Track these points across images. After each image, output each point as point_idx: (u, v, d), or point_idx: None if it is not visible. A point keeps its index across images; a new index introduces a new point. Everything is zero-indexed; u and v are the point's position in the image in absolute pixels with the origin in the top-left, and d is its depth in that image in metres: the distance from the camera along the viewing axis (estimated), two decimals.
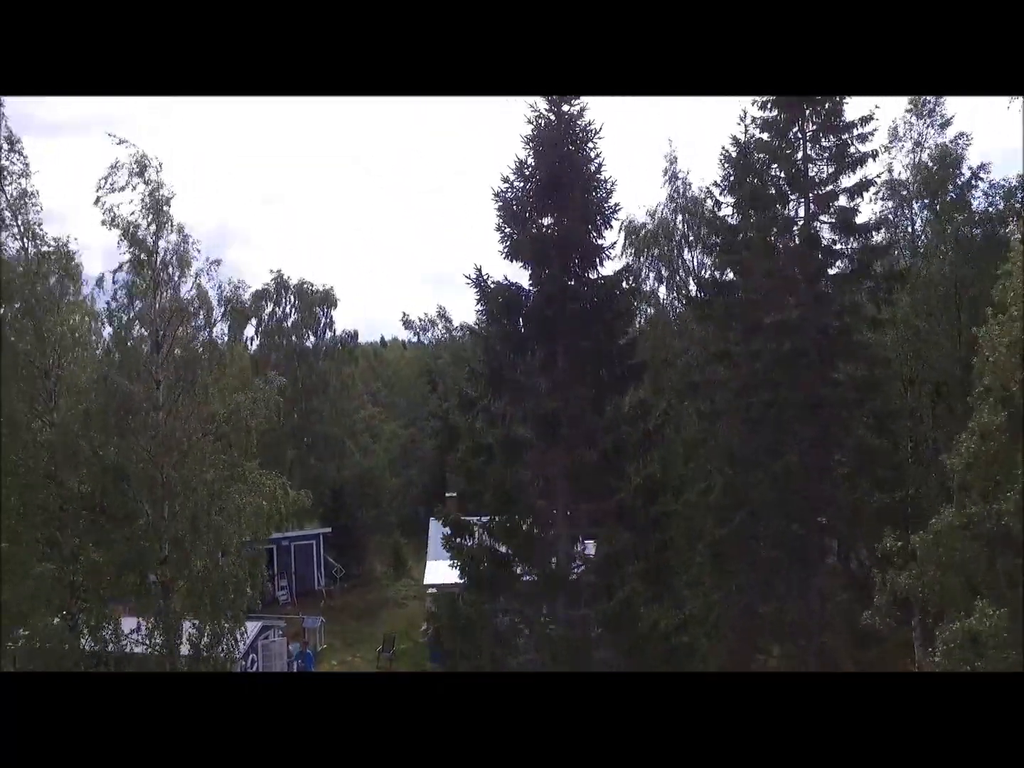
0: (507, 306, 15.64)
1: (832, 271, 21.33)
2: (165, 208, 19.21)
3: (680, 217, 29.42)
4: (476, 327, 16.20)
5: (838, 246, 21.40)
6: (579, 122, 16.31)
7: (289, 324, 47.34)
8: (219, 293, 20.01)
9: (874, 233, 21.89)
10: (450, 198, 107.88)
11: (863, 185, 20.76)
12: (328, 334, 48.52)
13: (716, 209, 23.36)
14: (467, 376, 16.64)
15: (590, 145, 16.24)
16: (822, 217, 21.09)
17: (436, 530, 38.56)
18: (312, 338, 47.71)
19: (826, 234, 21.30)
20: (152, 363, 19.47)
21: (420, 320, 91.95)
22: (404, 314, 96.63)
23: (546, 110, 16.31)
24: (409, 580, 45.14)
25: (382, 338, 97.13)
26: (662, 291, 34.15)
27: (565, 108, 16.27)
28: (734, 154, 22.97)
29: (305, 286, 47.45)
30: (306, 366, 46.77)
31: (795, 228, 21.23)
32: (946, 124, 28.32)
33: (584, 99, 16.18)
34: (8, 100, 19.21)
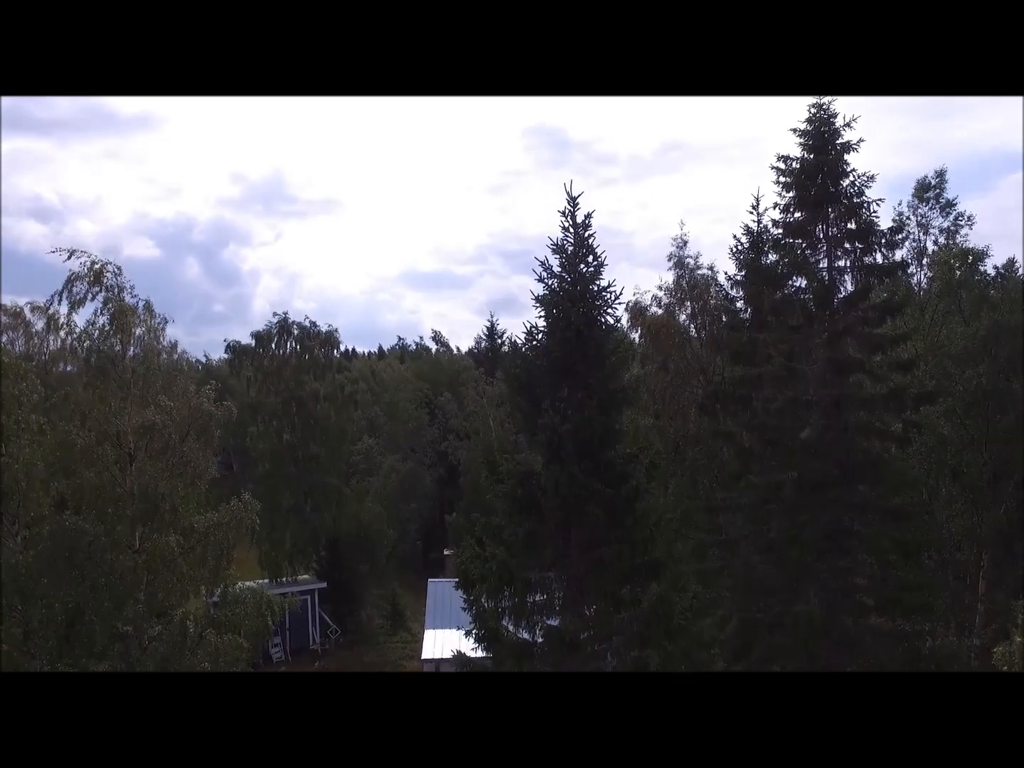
0: (522, 505, 14.26)
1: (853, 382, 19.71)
2: (130, 316, 17.90)
3: (688, 307, 27.81)
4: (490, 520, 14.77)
5: (860, 351, 19.87)
6: (597, 282, 14.71)
7: (289, 368, 45.78)
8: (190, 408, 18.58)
9: (901, 344, 20.36)
10: (450, 198, 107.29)
11: (893, 306, 19.21)
12: (328, 376, 47.07)
13: (731, 305, 21.89)
14: (471, 558, 15.07)
15: (608, 311, 14.79)
16: (846, 328, 19.46)
17: (434, 592, 37.24)
18: (313, 382, 46.10)
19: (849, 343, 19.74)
20: (120, 480, 18.13)
21: (416, 344, 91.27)
22: (399, 338, 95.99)
23: (559, 270, 14.75)
24: (406, 635, 43.79)
25: (380, 348, 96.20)
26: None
27: (582, 267, 14.65)
28: (746, 243, 21.56)
29: (306, 324, 46.05)
30: (304, 412, 45.33)
31: (818, 342, 19.57)
32: (948, 207, 27.38)
33: (603, 255, 14.77)
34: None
